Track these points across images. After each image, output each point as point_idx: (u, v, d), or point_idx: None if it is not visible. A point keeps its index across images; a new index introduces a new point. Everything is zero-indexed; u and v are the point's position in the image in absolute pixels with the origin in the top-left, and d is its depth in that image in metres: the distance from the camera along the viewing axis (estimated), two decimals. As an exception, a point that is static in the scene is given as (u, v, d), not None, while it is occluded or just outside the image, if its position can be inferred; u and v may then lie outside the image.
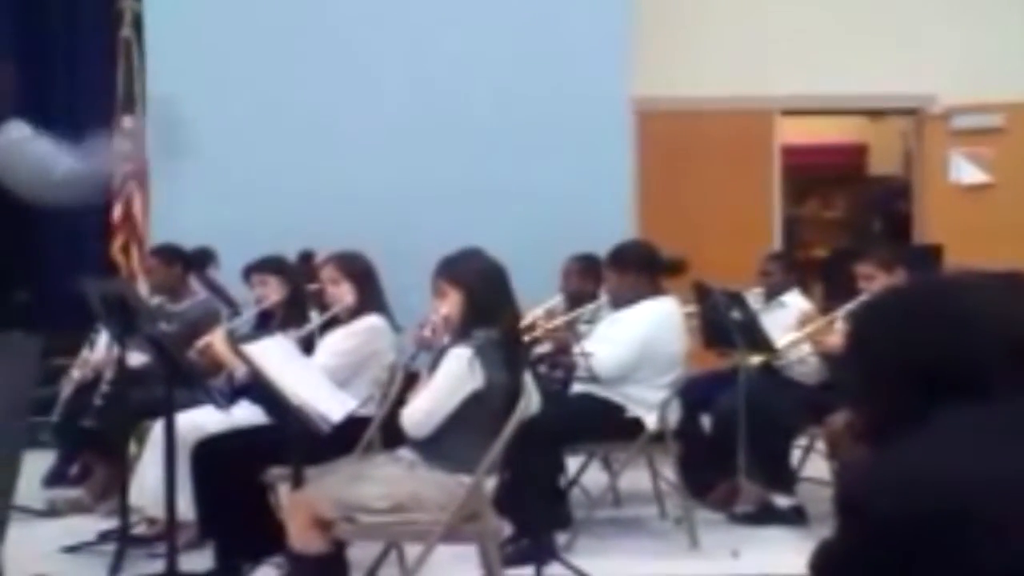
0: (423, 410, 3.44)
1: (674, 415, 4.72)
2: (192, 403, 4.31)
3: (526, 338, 4.21)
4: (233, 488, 4.10)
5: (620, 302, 4.84)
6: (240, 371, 4.24)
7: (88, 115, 7.34)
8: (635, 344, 4.61)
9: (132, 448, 4.68)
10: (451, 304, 3.54)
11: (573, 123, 6.77)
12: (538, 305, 5.01)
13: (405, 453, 3.53)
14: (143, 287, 5.94)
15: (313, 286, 4.86)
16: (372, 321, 4.29)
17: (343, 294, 4.32)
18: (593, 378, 4.59)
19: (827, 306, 5.34)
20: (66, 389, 5.57)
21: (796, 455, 5.33)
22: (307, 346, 4.28)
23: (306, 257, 5.74)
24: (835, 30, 7.78)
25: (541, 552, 4.18)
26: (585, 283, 5.32)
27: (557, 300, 5.24)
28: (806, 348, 5.02)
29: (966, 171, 7.96)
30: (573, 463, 5.13)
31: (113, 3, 7.23)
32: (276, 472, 4.08)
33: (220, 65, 6.74)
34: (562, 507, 4.80)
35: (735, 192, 7.76)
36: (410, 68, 6.83)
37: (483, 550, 3.51)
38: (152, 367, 4.61)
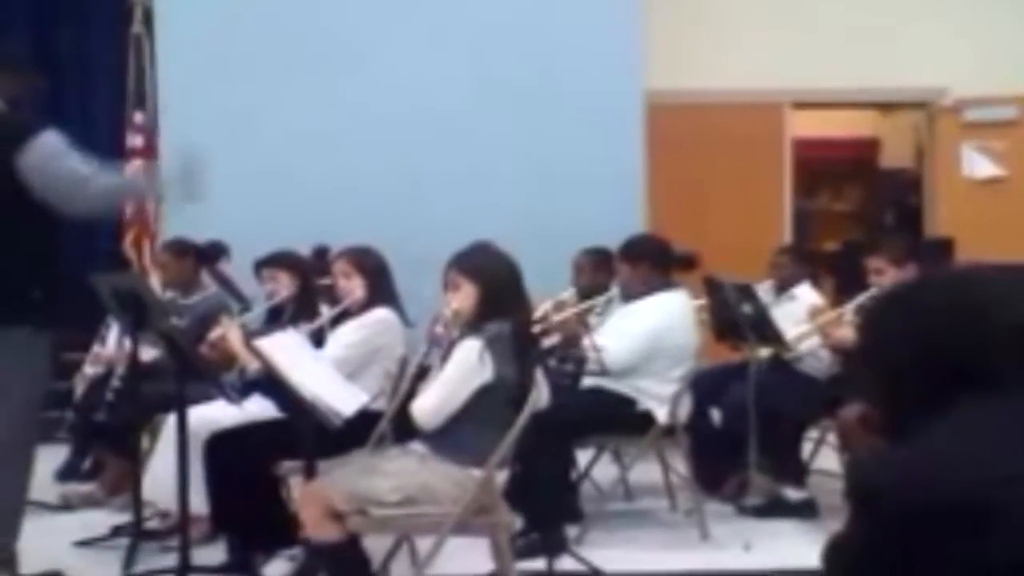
0: (434, 401, 3.44)
1: (685, 408, 4.73)
2: (204, 397, 4.31)
3: (536, 329, 4.21)
4: (246, 482, 4.11)
5: (632, 295, 4.84)
6: (252, 365, 4.25)
7: (101, 113, 7.39)
8: (646, 337, 4.61)
9: (145, 442, 4.70)
10: (463, 297, 3.53)
11: (585, 115, 6.77)
12: (549, 298, 5.01)
13: (417, 447, 3.54)
14: (155, 281, 5.96)
15: (324, 281, 4.87)
16: (382, 314, 4.29)
17: (354, 288, 4.32)
18: (604, 372, 4.59)
19: (838, 299, 5.33)
20: (79, 385, 5.60)
21: (807, 448, 5.32)
22: (317, 341, 4.28)
23: (321, 252, 5.74)
24: (846, 23, 7.75)
25: (552, 545, 4.19)
26: (597, 277, 5.31)
27: (569, 294, 5.23)
28: (816, 341, 5.01)
29: (978, 164, 7.92)
30: (584, 456, 5.14)
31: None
32: (288, 465, 4.09)
33: (231, 60, 6.75)
34: (573, 500, 4.81)
35: (746, 185, 7.75)
36: (423, 62, 6.83)
37: (494, 543, 3.52)
38: (164, 362, 4.63)
